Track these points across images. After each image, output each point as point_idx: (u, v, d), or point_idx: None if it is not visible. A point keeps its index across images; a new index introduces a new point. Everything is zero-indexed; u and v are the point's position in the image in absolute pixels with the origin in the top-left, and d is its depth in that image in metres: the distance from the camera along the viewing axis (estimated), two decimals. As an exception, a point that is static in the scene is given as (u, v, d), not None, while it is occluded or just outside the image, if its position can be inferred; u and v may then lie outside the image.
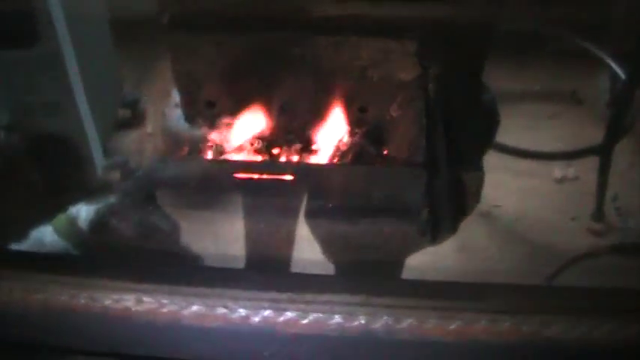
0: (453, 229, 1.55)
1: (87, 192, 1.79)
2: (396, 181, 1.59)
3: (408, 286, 1.26)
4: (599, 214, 2.31)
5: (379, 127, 1.63)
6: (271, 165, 1.60)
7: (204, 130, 1.66)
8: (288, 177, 1.56)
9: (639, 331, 1.12)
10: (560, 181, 2.43)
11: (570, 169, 2.45)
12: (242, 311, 1.14)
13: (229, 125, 1.65)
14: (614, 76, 2.37)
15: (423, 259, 1.61)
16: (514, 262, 2.21)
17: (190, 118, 1.67)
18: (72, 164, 1.84)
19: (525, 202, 2.42)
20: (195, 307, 1.14)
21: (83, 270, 1.23)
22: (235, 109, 1.65)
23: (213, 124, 1.66)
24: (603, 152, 2.26)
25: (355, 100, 1.64)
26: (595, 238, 2.29)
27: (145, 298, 1.15)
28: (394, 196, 1.55)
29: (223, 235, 1.68)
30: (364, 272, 1.46)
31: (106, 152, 1.96)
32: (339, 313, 1.13)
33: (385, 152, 1.63)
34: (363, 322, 1.13)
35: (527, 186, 2.45)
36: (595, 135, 2.34)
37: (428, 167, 1.54)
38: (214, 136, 1.65)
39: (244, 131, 1.66)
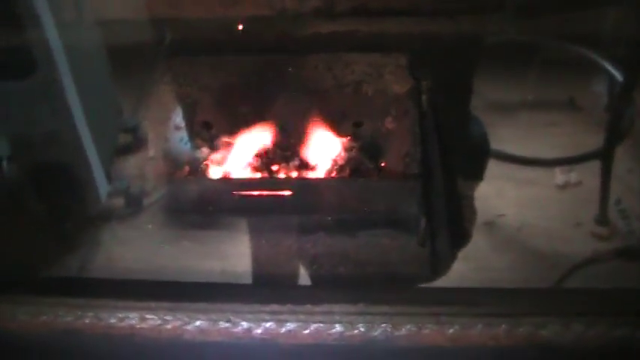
0: (453, 240, 1.57)
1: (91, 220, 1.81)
2: (393, 194, 1.60)
3: (405, 295, 1.27)
4: (603, 218, 2.30)
5: (375, 141, 1.66)
6: (270, 181, 1.62)
7: (204, 150, 1.69)
8: (287, 193, 1.58)
9: (631, 331, 1.14)
10: (563, 187, 2.43)
11: (572, 175, 2.44)
12: (244, 324, 1.16)
13: (229, 145, 1.68)
14: (611, 79, 2.38)
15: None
16: (520, 270, 2.21)
17: (190, 139, 1.70)
18: (75, 192, 1.85)
19: (529, 210, 2.41)
20: (198, 322, 1.16)
21: (88, 290, 1.25)
22: (233, 130, 1.68)
23: (212, 145, 1.69)
24: (604, 156, 2.27)
25: (350, 115, 1.67)
26: (600, 243, 2.29)
27: (149, 316, 1.17)
28: (392, 208, 1.57)
29: (224, 252, 1.70)
30: (365, 286, 1.47)
31: (109, 178, 1.97)
32: (339, 323, 1.15)
33: (382, 165, 1.65)
34: (362, 330, 1.15)
35: (529, 194, 2.45)
36: (595, 140, 2.34)
37: (424, 178, 1.56)
38: (215, 156, 1.68)
39: (244, 150, 1.68)
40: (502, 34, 1.95)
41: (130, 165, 1.92)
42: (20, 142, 1.79)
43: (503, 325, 1.14)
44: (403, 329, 1.14)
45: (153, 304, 1.18)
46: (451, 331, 1.15)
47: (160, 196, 1.76)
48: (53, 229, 1.71)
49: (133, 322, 1.17)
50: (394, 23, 1.60)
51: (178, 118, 1.75)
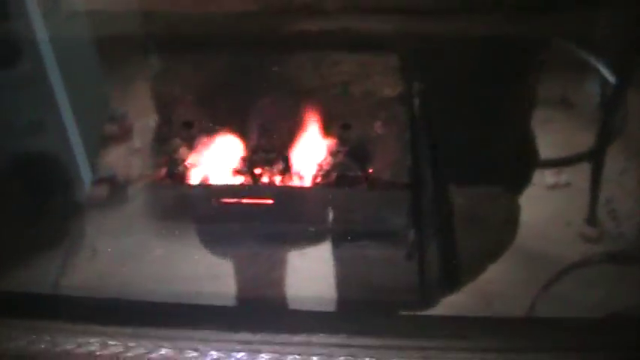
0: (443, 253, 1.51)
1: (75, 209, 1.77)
2: (380, 204, 1.54)
3: (391, 324, 1.20)
4: (592, 220, 2.25)
5: (362, 146, 1.60)
6: (250, 189, 1.56)
7: (183, 151, 1.63)
8: (269, 201, 1.52)
9: None
10: (552, 187, 2.36)
11: (562, 176, 2.38)
12: (214, 354, 1.09)
13: (209, 145, 1.62)
14: (604, 80, 2.32)
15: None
16: (508, 270, 2.16)
17: (170, 138, 1.65)
18: (59, 181, 1.81)
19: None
20: (163, 351, 1.09)
21: (43, 311, 1.18)
22: (215, 130, 1.62)
23: (192, 145, 1.63)
24: (594, 157, 2.21)
25: (337, 118, 1.60)
26: (590, 244, 2.24)
27: (111, 342, 1.10)
28: (379, 219, 1.51)
29: (195, 267, 1.64)
30: (348, 310, 1.41)
31: (94, 168, 1.93)
32: (317, 355, 1.08)
33: (369, 171, 1.59)
34: (343, 363, 1.08)
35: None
36: (586, 139, 2.29)
37: (413, 188, 1.50)
38: (194, 157, 1.62)
39: (225, 152, 1.62)
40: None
41: (115, 155, 1.88)
42: (4, 130, 1.76)
43: (495, 362, 1.08)
44: (388, 364, 1.07)
45: (116, 329, 1.11)
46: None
47: (142, 189, 1.70)
48: (37, 218, 1.66)
49: (93, 348, 1.09)
50: (387, 22, 1.53)
51: (159, 115, 1.68)
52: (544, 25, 2.06)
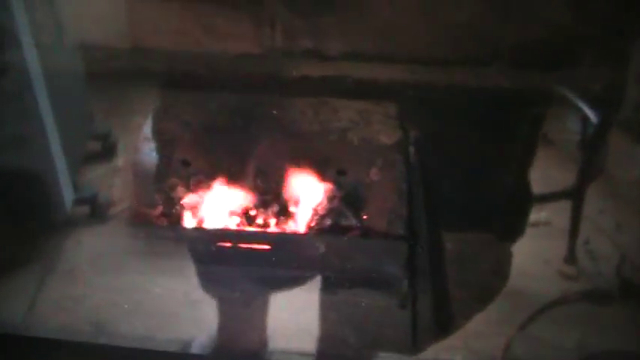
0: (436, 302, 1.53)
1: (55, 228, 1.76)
2: (376, 253, 1.55)
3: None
4: (571, 258, 2.27)
5: (358, 192, 1.61)
6: (246, 235, 1.56)
7: (180, 190, 1.63)
8: (262, 246, 1.53)
9: None
10: (533, 225, 2.38)
11: (542, 214, 2.41)
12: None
13: (206, 185, 1.63)
14: (585, 118, 2.35)
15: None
16: (486, 307, 2.18)
17: (167, 176, 1.65)
18: (40, 198, 1.80)
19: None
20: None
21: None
22: (212, 169, 1.62)
23: (189, 184, 1.63)
24: (574, 196, 2.23)
25: (334, 163, 1.62)
26: (567, 282, 2.26)
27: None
28: (374, 267, 1.52)
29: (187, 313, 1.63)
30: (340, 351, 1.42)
31: (76, 186, 1.92)
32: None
33: (364, 218, 1.60)
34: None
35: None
36: (563, 176, 2.31)
37: (408, 237, 1.52)
38: (191, 197, 1.62)
39: (221, 192, 1.62)
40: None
41: (99, 174, 1.86)
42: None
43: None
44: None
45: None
46: None
47: (126, 206, 1.69)
48: (16, 235, 1.64)
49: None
50: (387, 71, 1.55)
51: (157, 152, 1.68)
52: (533, 77, 2.09)
